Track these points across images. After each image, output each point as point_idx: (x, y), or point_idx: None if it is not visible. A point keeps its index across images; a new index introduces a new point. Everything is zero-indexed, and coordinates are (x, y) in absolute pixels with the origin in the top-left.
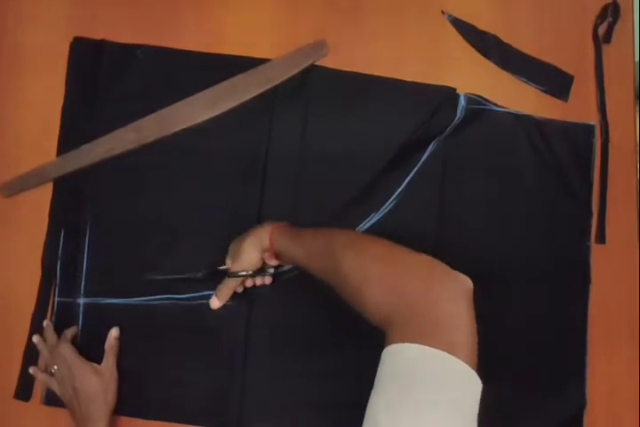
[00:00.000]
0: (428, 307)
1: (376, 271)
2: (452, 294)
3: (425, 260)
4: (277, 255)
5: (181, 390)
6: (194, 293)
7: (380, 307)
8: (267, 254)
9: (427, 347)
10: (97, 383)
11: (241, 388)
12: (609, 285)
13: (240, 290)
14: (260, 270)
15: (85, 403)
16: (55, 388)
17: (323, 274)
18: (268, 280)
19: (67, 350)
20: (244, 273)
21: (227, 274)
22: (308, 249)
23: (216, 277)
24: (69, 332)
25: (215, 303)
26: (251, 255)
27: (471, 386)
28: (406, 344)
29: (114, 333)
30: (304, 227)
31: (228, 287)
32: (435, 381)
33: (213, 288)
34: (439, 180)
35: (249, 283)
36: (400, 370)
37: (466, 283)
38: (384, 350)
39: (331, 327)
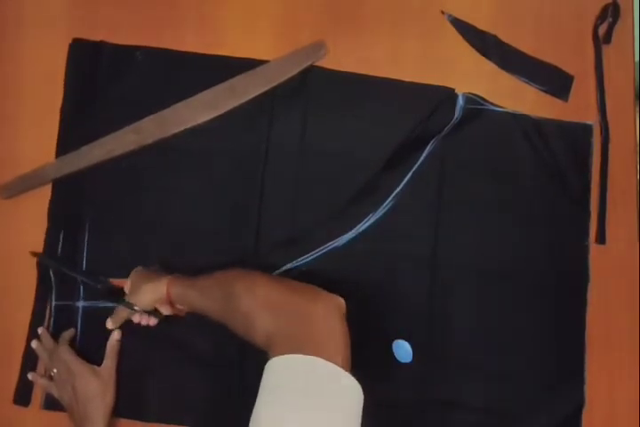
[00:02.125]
0: (304, 323)
1: (263, 295)
2: (326, 311)
3: (304, 285)
4: (173, 304)
5: (181, 392)
6: None
7: (265, 327)
8: (162, 304)
9: (301, 355)
10: (96, 384)
11: (240, 388)
12: (609, 285)
13: (132, 319)
14: (151, 311)
15: (84, 404)
16: (54, 392)
17: (217, 311)
18: (152, 322)
19: (65, 353)
20: (135, 308)
21: (119, 300)
22: (201, 291)
23: (113, 293)
24: (67, 334)
25: (109, 325)
26: (145, 298)
27: (347, 385)
28: (284, 356)
29: (116, 335)
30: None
31: (120, 314)
32: (311, 384)
33: None
34: (437, 179)
35: (136, 319)
36: (280, 381)
37: (338, 303)
38: (266, 365)
39: None
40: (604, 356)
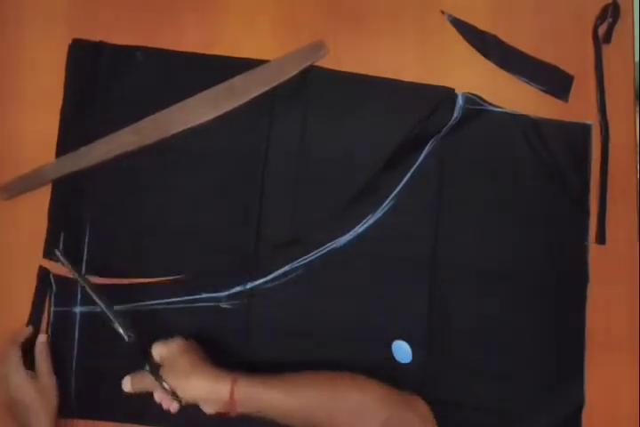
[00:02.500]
0: (415, 414)
1: (375, 392)
2: (426, 406)
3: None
4: (235, 408)
5: None
6: (190, 295)
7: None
8: (216, 406)
9: None
10: (32, 391)
11: None
12: (609, 285)
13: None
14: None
15: (23, 412)
16: None
17: (307, 412)
18: (174, 408)
19: (12, 355)
20: (165, 386)
21: (151, 367)
22: (289, 392)
23: (142, 351)
24: (20, 336)
25: (126, 387)
26: (191, 392)
27: None
28: None
29: (41, 338)
30: None
31: (144, 381)
32: None
33: (210, 291)
34: (437, 180)
35: (157, 397)
36: None
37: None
38: None
39: (330, 329)
40: (604, 356)
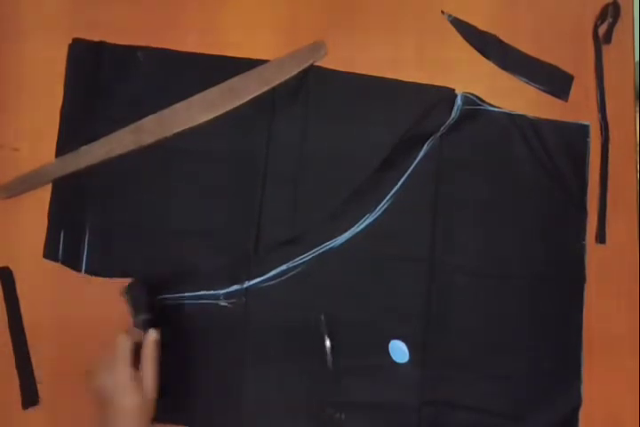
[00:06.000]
0: None
1: None
2: None
3: None
4: None
5: (180, 392)
6: (188, 293)
7: None
8: None
9: None
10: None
11: (239, 389)
12: (609, 285)
13: None
14: None
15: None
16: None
17: None
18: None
19: (123, 348)
20: None
21: None
22: None
23: None
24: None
25: None
26: None
27: None
28: None
29: (152, 334)
30: None
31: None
32: None
33: (208, 289)
34: (434, 179)
35: None
36: None
37: None
38: None
39: (329, 328)
40: (604, 356)
